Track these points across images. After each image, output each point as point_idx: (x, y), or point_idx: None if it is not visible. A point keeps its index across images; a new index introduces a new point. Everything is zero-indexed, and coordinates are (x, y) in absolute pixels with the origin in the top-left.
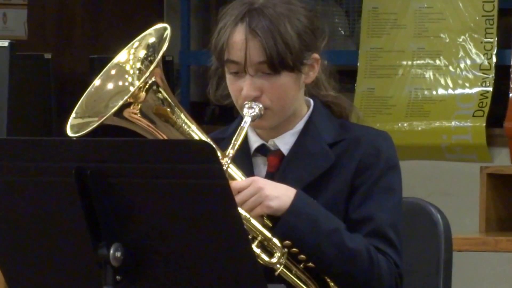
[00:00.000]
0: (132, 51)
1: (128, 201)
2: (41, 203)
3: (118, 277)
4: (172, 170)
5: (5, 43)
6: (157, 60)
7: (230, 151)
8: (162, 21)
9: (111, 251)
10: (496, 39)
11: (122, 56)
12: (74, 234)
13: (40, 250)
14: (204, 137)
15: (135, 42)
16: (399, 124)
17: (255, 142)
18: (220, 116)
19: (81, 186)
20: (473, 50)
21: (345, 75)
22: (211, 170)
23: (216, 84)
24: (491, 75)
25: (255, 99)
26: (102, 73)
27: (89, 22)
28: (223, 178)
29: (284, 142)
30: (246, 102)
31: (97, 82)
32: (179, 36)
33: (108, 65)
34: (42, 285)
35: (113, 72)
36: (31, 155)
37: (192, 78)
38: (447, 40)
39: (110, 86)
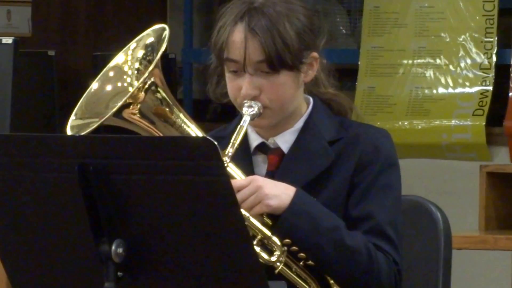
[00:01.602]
0: (130, 52)
1: (130, 198)
2: (43, 199)
3: (119, 274)
4: (174, 167)
5: (9, 40)
6: (155, 61)
7: (230, 150)
8: (165, 18)
9: (113, 247)
10: (496, 38)
11: (119, 58)
12: (76, 230)
13: (42, 246)
14: None
15: (133, 43)
16: (400, 123)
17: (255, 140)
18: (222, 114)
19: (83, 183)
20: (473, 50)
21: (346, 73)
22: (212, 167)
23: (216, 82)
24: (491, 74)
25: (254, 98)
26: (100, 75)
27: (93, 19)
28: (225, 175)
29: (284, 140)
30: (245, 101)
31: (94, 84)
32: (181, 34)
33: (106, 67)
34: (43, 281)
35: (111, 74)
36: (34, 151)
37: (194, 75)
38: (448, 40)
39: (109, 87)
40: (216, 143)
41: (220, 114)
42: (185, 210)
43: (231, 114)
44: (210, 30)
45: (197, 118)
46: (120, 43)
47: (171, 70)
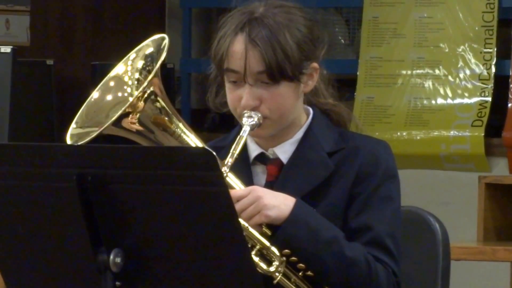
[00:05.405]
0: (130, 62)
1: (128, 207)
2: (42, 209)
3: (118, 283)
4: (172, 177)
5: (7, 49)
6: (155, 70)
7: (229, 160)
8: (163, 28)
9: (111, 257)
10: (495, 49)
11: (119, 68)
12: (75, 240)
13: (40, 255)
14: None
15: (132, 54)
16: (398, 133)
17: (254, 150)
18: (220, 124)
19: (82, 192)
20: (473, 60)
21: (345, 84)
22: (211, 177)
23: (215, 92)
24: (490, 85)
25: (254, 109)
26: (100, 85)
27: (91, 29)
28: (223, 185)
29: (284, 151)
30: (245, 111)
31: (95, 94)
32: (180, 44)
33: (106, 77)
34: None
35: (111, 83)
36: (32, 161)
37: (192, 85)
38: (447, 50)
39: (109, 97)
40: (214, 153)
41: (218, 124)
42: (183, 220)
43: (230, 124)
44: (209, 40)
45: (195, 128)
46: (118, 53)
47: (170, 80)
